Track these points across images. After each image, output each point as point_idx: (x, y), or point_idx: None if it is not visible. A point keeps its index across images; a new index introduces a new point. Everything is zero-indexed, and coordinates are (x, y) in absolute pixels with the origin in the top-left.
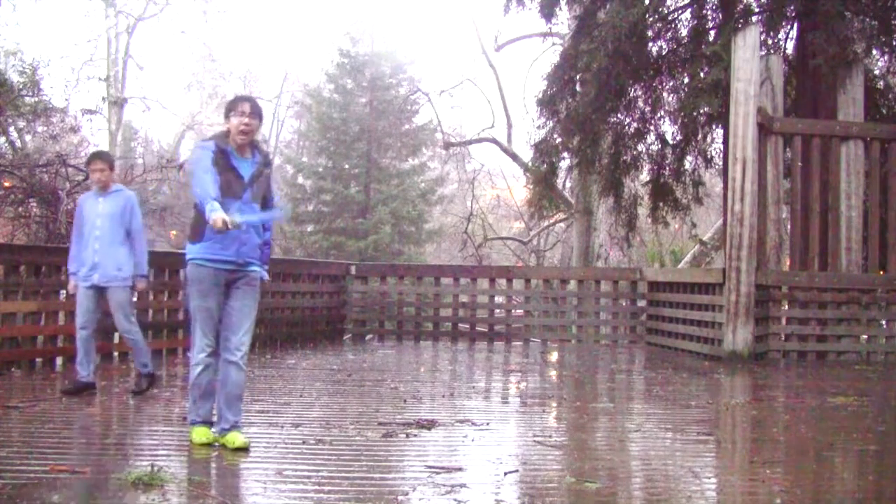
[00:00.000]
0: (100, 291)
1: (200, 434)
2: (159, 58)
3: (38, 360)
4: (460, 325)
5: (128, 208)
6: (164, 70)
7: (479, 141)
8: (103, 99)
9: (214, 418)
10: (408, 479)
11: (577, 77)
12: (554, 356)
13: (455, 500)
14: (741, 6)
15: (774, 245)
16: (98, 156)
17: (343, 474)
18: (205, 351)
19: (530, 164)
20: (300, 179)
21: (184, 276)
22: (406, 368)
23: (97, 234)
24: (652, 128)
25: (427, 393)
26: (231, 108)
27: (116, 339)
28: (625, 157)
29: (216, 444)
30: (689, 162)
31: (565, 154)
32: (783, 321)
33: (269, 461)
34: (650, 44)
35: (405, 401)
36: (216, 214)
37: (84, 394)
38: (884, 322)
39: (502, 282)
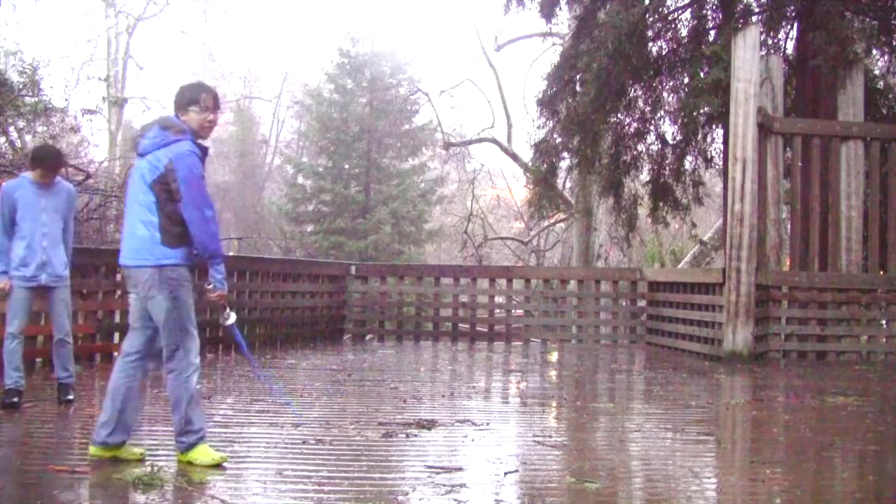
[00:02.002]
0: (38, 292)
1: (208, 453)
2: (159, 58)
3: (38, 360)
4: (460, 325)
5: (70, 201)
6: (164, 70)
7: (479, 141)
8: (103, 99)
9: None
10: (408, 479)
11: (577, 77)
12: (554, 356)
13: (455, 500)
14: (741, 6)
15: (774, 245)
16: (57, 160)
17: (343, 474)
18: (199, 355)
19: (530, 164)
20: (300, 179)
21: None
22: (406, 368)
23: (45, 231)
24: (652, 128)
25: (427, 393)
26: (193, 99)
27: (116, 339)
28: (625, 157)
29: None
30: (689, 162)
31: (565, 154)
32: (783, 321)
33: (269, 461)
34: (650, 44)
35: (405, 401)
36: (224, 291)
37: (19, 404)
38: (884, 322)
39: (502, 282)
